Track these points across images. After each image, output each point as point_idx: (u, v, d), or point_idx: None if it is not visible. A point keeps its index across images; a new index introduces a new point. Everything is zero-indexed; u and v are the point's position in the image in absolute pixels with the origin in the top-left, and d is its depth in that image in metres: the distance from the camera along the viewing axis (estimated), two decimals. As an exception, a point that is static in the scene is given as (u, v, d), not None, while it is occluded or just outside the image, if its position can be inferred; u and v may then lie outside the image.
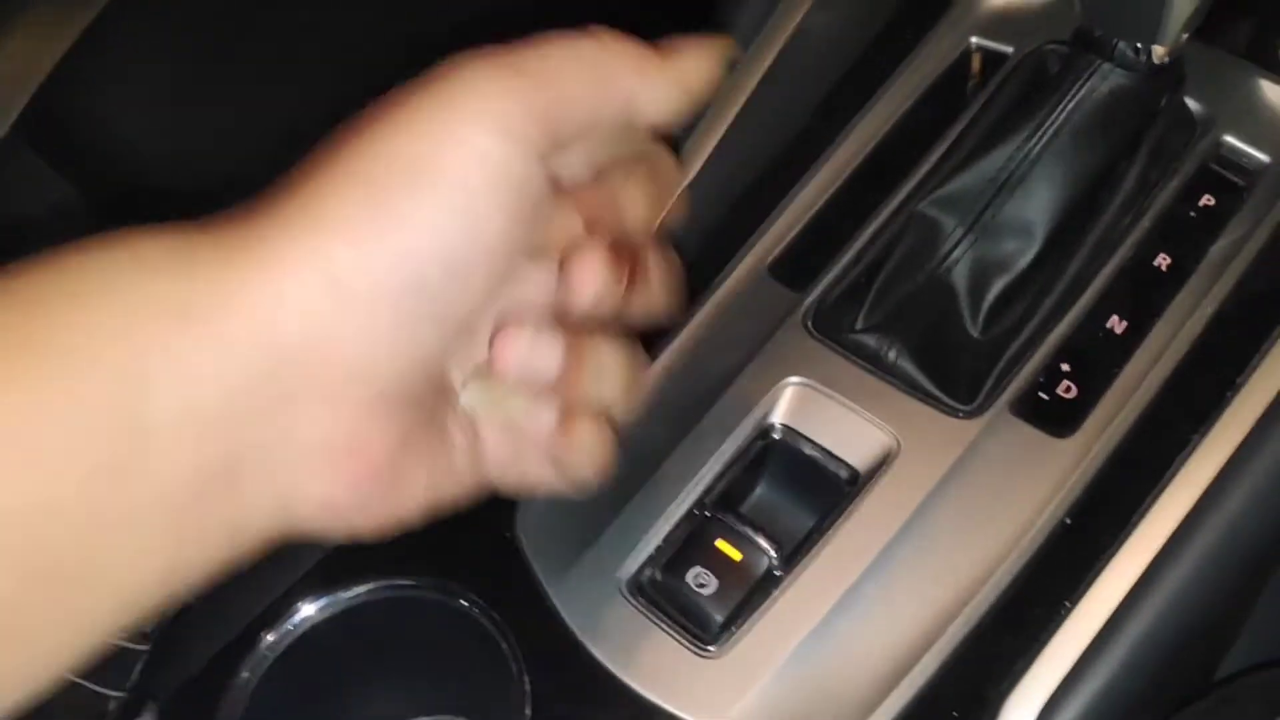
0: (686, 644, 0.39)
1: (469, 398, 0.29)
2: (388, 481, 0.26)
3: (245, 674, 0.38)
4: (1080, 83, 0.43)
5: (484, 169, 0.25)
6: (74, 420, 0.22)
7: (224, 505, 0.24)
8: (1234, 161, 0.46)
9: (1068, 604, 0.38)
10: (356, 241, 0.24)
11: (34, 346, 0.22)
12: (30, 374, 0.22)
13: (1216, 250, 0.44)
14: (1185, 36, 0.42)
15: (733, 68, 0.38)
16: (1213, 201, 0.45)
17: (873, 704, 0.37)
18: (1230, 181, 0.45)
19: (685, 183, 0.33)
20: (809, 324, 0.44)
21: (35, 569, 0.22)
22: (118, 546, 0.23)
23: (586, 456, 0.30)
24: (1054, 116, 0.43)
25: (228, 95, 0.67)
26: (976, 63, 0.49)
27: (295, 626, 0.39)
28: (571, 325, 0.29)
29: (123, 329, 0.23)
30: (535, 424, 0.30)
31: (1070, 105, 0.43)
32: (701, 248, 0.48)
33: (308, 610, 0.40)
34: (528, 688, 0.38)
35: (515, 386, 0.29)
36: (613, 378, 0.30)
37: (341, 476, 0.26)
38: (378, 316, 0.25)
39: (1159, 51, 0.42)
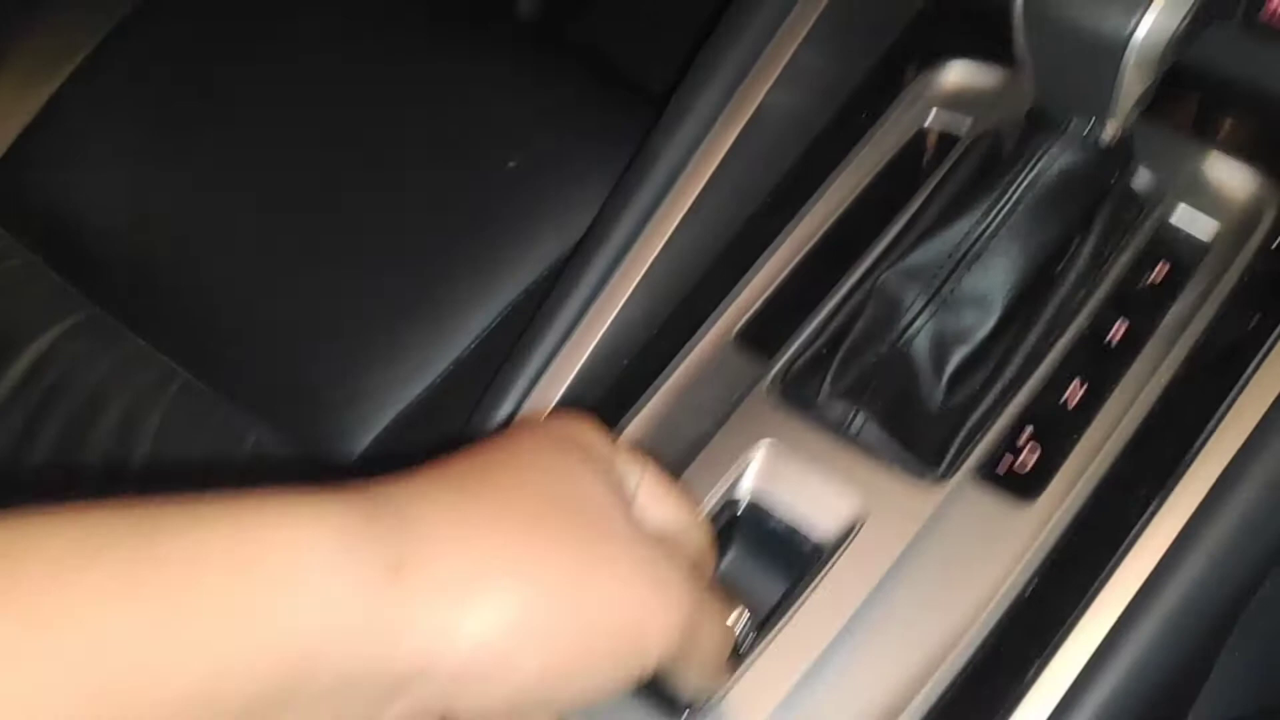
0: (658, 716, 0.39)
1: None
2: None
3: None
4: (1034, 161, 0.44)
5: (640, 674, 0.30)
6: (235, 672, 0.24)
7: None
8: (1184, 232, 0.47)
9: (1030, 674, 0.38)
10: (543, 657, 0.27)
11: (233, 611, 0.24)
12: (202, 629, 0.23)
13: (1170, 318, 0.45)
14: (1136, 113, 0.43)
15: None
16: (1165, 272, 0.46)
17: (843, 773, 0.37)
18: (1181, 253, 0.47)
19: None
20: (776, 392, 0.45)
21: None
22: None
23: None
24: (1009, 194, 0.44)
25: (181, 165, 0.68)
26: (932, 140, 0.51)
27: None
28: None
29: (312, 617, 0.24)
30: None
31: (1024, 183, 0.44)
32: (670, 316, 0.50)
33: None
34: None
35: None
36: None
37: None
38: (502, 702, 0.27)
39: (1110, 131, 0.43)
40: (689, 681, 0.34)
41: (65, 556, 0.23)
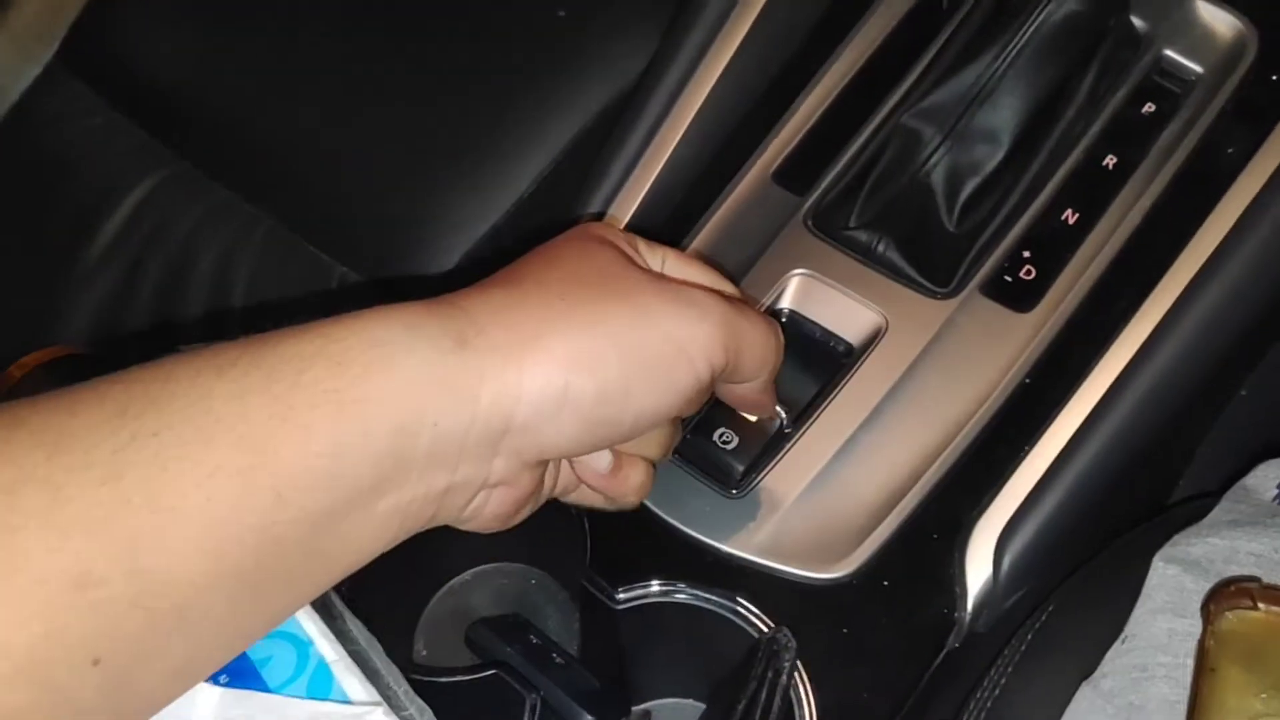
0: (715, 489, 0.47)
1: None
2: (524, 504, 0.36)
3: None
4: (1040, 8, 0.49)
5: (695, 384, 0.35)
6: (352, 452, 0.29)
7: (432, 514, 0.32)
8: (1172, 73, 0.53)
9: (1026, 447, 0.46)
10: (598, 381, 0.32)
11: (321, 396, 0.28)
12: (317, 419, 0.28)
13: (1156, 150, 0.51)
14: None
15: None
16: (1154, 108, 0.52)
17: (867, 530, 0.45)
18: (1169, 90, 0.52)
19: None
20: (809, 223, 0.52)
21: (316, 540, 0.29)
22: (349, 538, 0.30)
23: (629, 491, 0.40)
24: (1017, 38, 0.50)
25: (254, 18, 0.72)
26: (950, -11, 0.56)
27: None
28: None
29: (399, 393, 0.29)
30: (594, 464, 0.39)
31: (1031, 28, 0.49)
32: (713, 159, 0.55)
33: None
34: (587, 529, 0.46)
35: None
36: (657, 437, 0.40)
37: (507, 499, 0.35)
38: (578, 429, 0.33)
39: (1107, -21, 0.48)
40: (749, 387, 0.39)
41: (209, 381, 0.28)
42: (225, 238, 0.70)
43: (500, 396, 0.31)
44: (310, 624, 0.35)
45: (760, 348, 0.38)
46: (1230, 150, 0.50)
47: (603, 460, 0.38)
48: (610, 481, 0.39)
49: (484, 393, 0.30)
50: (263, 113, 0.70)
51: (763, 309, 0.50)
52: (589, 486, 0.40)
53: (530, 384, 0.31)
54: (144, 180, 0.73)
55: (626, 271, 0.35)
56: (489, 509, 0.34)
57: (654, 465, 0.41)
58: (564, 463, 0.39)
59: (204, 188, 0.71)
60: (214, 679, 0.33)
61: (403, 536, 0.32)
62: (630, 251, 0.37)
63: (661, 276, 0.36)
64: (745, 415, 0.48)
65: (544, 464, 0.36)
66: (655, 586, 0.45)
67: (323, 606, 0.36)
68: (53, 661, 0.24)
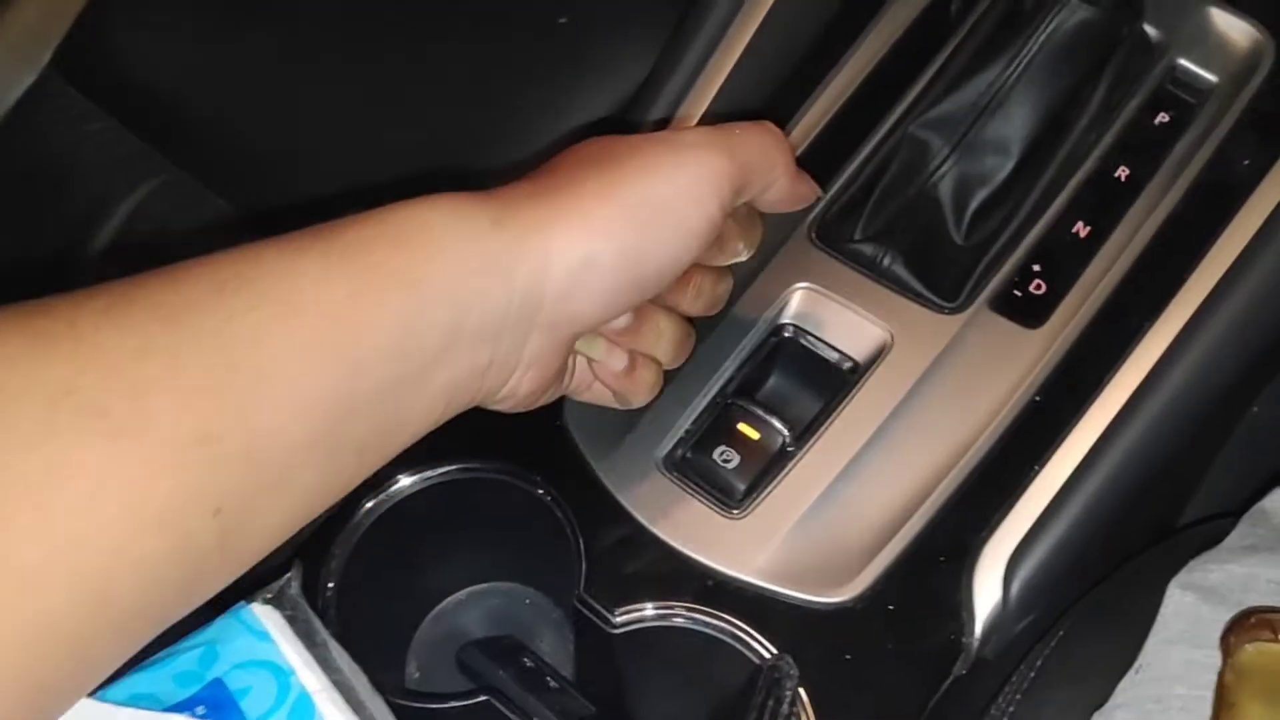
0: (715, 508, 0.45)
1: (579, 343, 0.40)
2: (550, 385, 0.39)
3: (346, 538, 0.45)
4: (1051, 16, 0.48)
5: (706, 221, 0.38)
6: (417, 326, 0.32)
7: (475, 391, 0.35)
8: (1187, 83, 0.51)
9: (1036, 467, 0.45)
10: (615, 241, 0.36)
11: (390, 276, 0.31)
12: (388, 296, 0.31)
13: (1170, 162, 0.50)
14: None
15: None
16: (1168, 118, 0.51)
17: (872, 552, 0.44)
18: (1184, 100, 0.51)
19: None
20: (813, 235, 0.51)
21: (355, 408, 0.31)
22: (410, 409, 0.33)
23: (640, 389, 0.43)
24: (1028, 47, 0.48)
25: (251, 26, 0.71)
26: (957, -2, 0.55)
27: (389, 497, 0.46)
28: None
29: (452, 271, 0.32)
30: (610, 363, 0.42)
31: (1043, 37, 0.48)
32: (715, 169, 0.54)
33: (403, 482, 0.47)
34: (581, 549, 0.45)
35: (597, 337, 0.41)
36: (667, 341, 0.43)
37: (538, 379, 0.37)
38: (605, 291, 0.36)
39: (1121, -13, 0.47)
40: (780, 189, 0.41)
41: (290, 260, 0.31)
42: (220, 247, 0.69)
43: (533, 271, 0.34)
44: (292, 652, 0.34)
45: (761, 156, 0.40)
46: (1246, 161, 0.49)
47: (617, 360, 0.41)
48: (624, 380, 0.42)
49: (519, 269, 0.34)
50: (259, 121, 0.70)
51: (765, 324, 0.49)
52: (603, 384, 0.43)
53: (557, 257, 0.34)
54: (139, 188, 0.72)
55: (625, 142, 0.38)
56: (523, 388, 0.37)
57: (662, 368, 0.44)
58: (581, 361, 0.42)
59: (199, 196, 0.71)
60: (190, 711, 0.32)
61: (449, 414, 0.35)
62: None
63: (654, 137, 0.39)
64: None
65: (571, 344, 0.38)
66: (652, 610, 0.44)
67: (306, 632, 0.35)
68: (184, 511, 0.27)
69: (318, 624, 0.35)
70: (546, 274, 0.34)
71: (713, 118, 0.54)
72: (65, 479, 0.25)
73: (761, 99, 0.55)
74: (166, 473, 0.26)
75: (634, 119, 0.55)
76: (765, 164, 0.40)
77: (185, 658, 0.34)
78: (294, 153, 0.68)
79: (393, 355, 0.31)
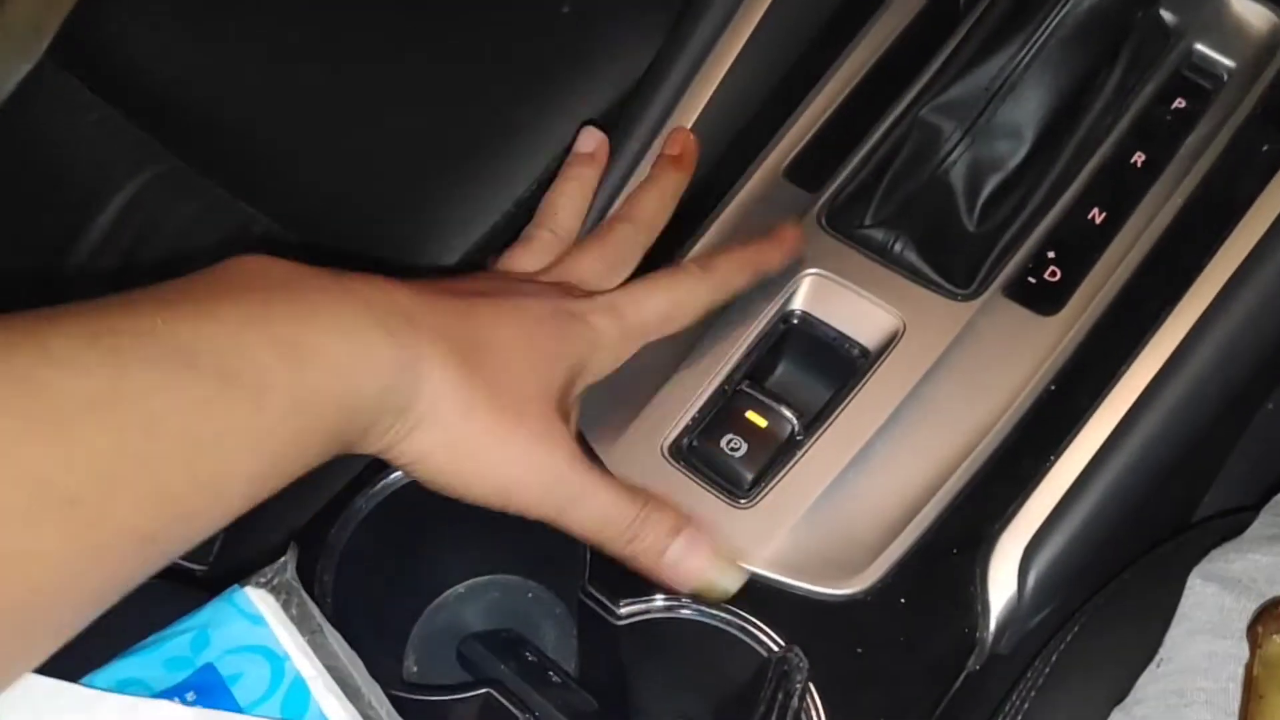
0: (722, 498, 0.44)
1: None
2: None
3: (343, 527, 0.44)
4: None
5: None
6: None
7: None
8: (1203, 68, 0.50)
9: (1052, 457, 0.44)
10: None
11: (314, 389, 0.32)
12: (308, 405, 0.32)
13: (1186, 148, 0.49)
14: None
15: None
16: (1183, 104, 0.50)
17: (883, 544, 0.43)
18: (1199, 86, 0.50)
19: None
20: (822, 221, 0.49)
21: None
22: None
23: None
24: (1042, 29, 0.47)
25: (247, 16, 0.71)
26: (971, -21, 0.54)
27: (387, 486, 0.45)
28: None
29: (358, 388, 0.34)
30: None
31: (1056, 19, 0.47)
32: (722, 156, 0.53)
33: (397, 474, 0.45)
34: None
35: None
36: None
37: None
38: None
39: (1136, -32, 0.46)
40: (578, 537, 0.41)
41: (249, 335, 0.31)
42: (219, 236, 0.68)
43: (387, 445, 0.36)
44: (286, 637, 0.33)
45: (587, 527, 0.41)
46: (1265, 148, 0.48)
47: None
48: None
49: (384, 440, 0.35)
50: (258, 110, 0.69)
51: (773, 311, 0.48)
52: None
53: (400, 450, 0.36)
54: (136, 177, 0.71)
55: (540, 412, 0.39)
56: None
57: None
58: None
59: (197, 185, 0.70)
60: (180, 696, 0.31)
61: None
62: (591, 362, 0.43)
63: (552, 428, 0.40)
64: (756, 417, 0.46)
65: None
66: (659, 601, 0.43)
67: (301, 618, 0.34)
68: (107, 592, 0.28)
69: (313, 609, 0.34)
70: (394, 449, 0.36)
71: (716, 108, 0.53)
72: (30, 560, 0.26)
73: (769, 85, 0.54)
74: (109, 563, 0.27)
75: (635, 111, 0.54)
76: (582, 532, 0.41)
77: (176, 642, 0.32)
78: (292, 141, 0.67)
79: (287, 480, 0.32)
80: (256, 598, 0.33)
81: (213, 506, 0.29)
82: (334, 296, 0.34)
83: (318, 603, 0.38)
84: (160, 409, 0.27)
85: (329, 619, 0.37)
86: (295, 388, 0.30)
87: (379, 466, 0.45)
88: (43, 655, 0.28)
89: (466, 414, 0.36)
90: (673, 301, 0.45)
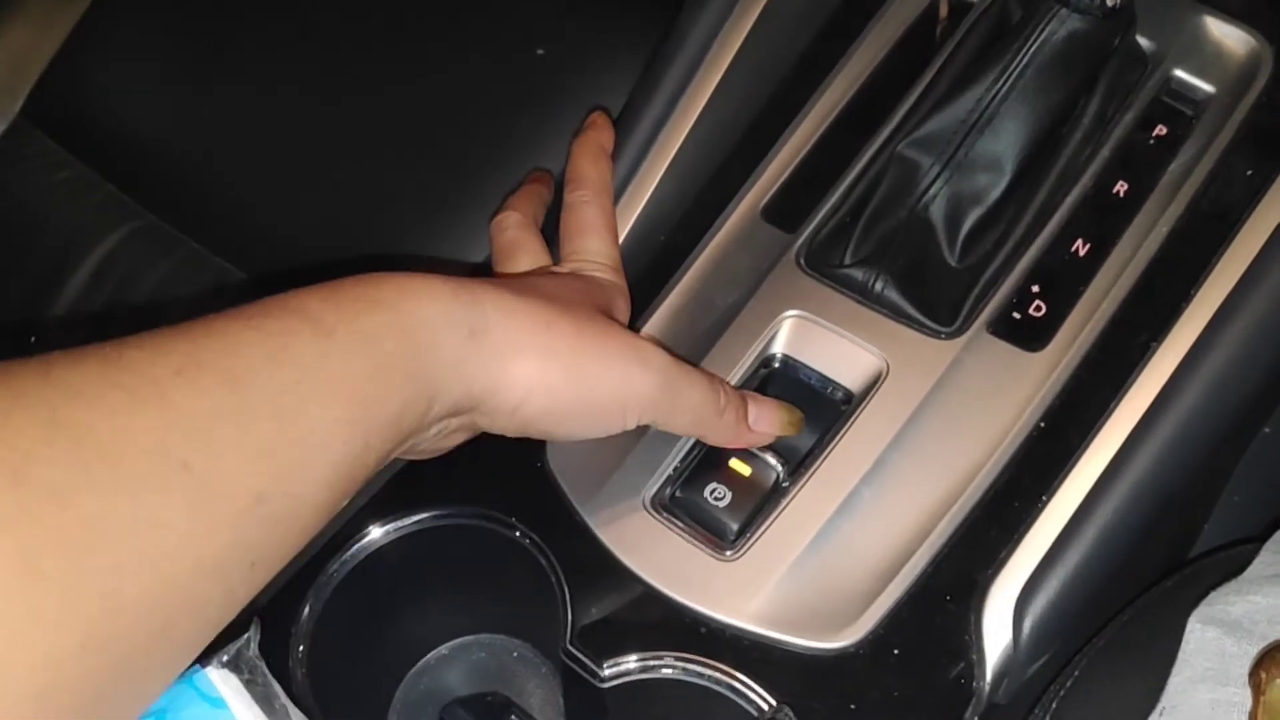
0: (707, 551, 0.43)
1: None
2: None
3: (316, 595, 0.43)
4: (1041, 27, 0.46)
5: (621, 427, 0.41)
6: (409, 410, 0.35)
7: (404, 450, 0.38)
8: (1183, 94, 0.50)
9: (1044, 498, 0.43)
10: (544, 405, 0.39)
11: (398, 365, 0.34)
12: (397, 382, 0.34)
13: (1169, 175, 0.48)
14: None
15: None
16: (1164, 131, 0.49)
17: (874, 594, 0.42)
18: (1180, 112, 0.49)
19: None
20: (801, 261, 0.48)
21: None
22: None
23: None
24: (1018, 60, 0.46)
25: (221, 73, 0.71)
26: (944, 10, 0.53)
27: (361, 550, 0.44)
28: None
29: (439, 370, 0.36)
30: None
31: (1032, 49, 0.46)
32: (698, 196, 0.52)
33: (374, 534, 0.44)
34: (567, 596, 0.43)
35: None
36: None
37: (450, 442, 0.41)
38: (517, 429, 0.39)
39: (1112, -5, 0.45)
40: (681, 429, 0.44)
41: (323, 344, 0.33)
42: (195, 291, 0.68)
43: (487, 383, 0.37)
44: (250, 719, 0.31)
45: (693, 411, 0.42)
46: (1249, 172, 0.47)
47: None
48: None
49: (476, 382, 0.37)
50: (233, 166, 0.68)
51: (753, 355, 0.47)
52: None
53: (502, 389, 0.38)
54: (111, 234, 0.70)
55: (608, 322, 0.41)
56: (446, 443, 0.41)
57: None
58: None
59: (173, 241, 0.69)
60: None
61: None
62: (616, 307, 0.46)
63: (625, 330, 0.42)
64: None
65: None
66: (641, 661, 0.41)
67: (264, 698, 0.32)
68: (232, 562, 0.30)
69: (277, 688, 0.33)
70: (491, 394, 0.38)
71: (691, 147, 0.52)
72: (160, 528, 0.28)
73: (744, 124, 0.53)
74: (227, 527, 0.29)
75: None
76: (690, 420, 0.43)
77: (134, 729, 0.31)
78: (268, 194, 0.66)
79: (389, 435, 0.34)
80: (218, 678, 0.32)
81: (309, 459, 0.31)
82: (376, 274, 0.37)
83: (290, 676, 0.37)
84: (239, 367, 0.30)
85: (305, 691, 0.35)
86: (353, 324, 0.33)
87: (350, 533, 0.44)
88: (186, 647, 0.29)
89: (547, 325, 0.38)
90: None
